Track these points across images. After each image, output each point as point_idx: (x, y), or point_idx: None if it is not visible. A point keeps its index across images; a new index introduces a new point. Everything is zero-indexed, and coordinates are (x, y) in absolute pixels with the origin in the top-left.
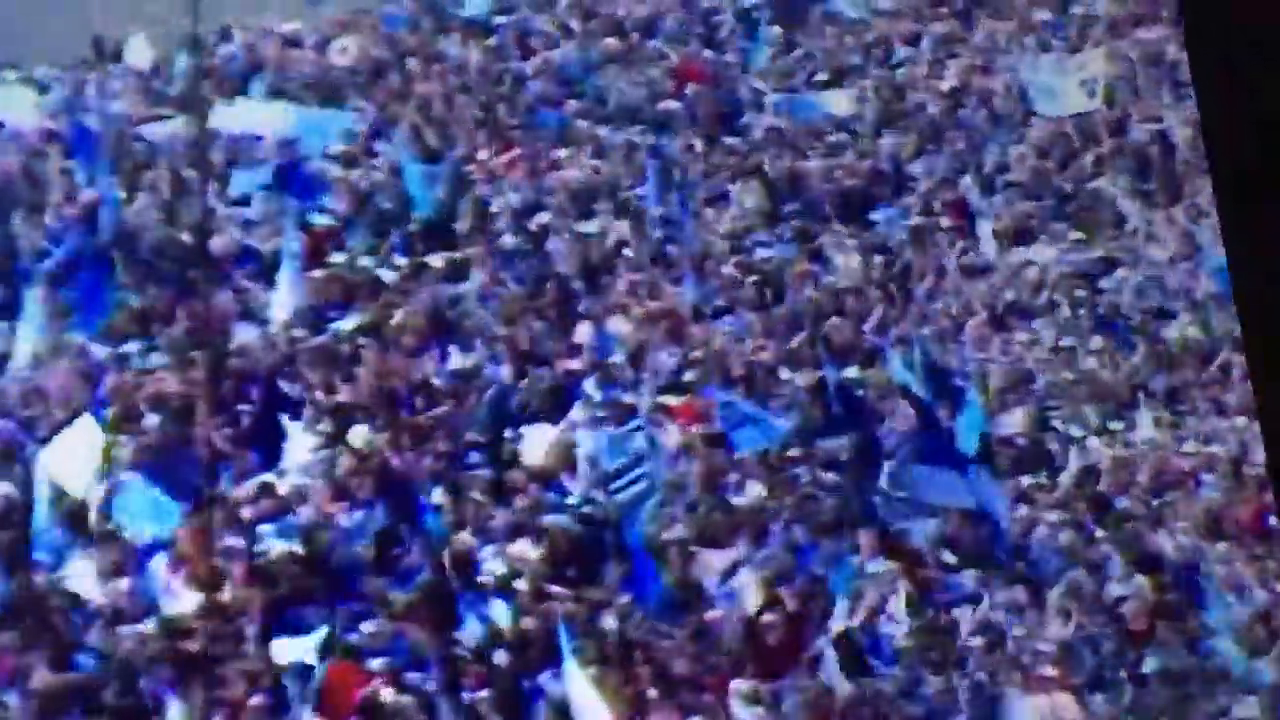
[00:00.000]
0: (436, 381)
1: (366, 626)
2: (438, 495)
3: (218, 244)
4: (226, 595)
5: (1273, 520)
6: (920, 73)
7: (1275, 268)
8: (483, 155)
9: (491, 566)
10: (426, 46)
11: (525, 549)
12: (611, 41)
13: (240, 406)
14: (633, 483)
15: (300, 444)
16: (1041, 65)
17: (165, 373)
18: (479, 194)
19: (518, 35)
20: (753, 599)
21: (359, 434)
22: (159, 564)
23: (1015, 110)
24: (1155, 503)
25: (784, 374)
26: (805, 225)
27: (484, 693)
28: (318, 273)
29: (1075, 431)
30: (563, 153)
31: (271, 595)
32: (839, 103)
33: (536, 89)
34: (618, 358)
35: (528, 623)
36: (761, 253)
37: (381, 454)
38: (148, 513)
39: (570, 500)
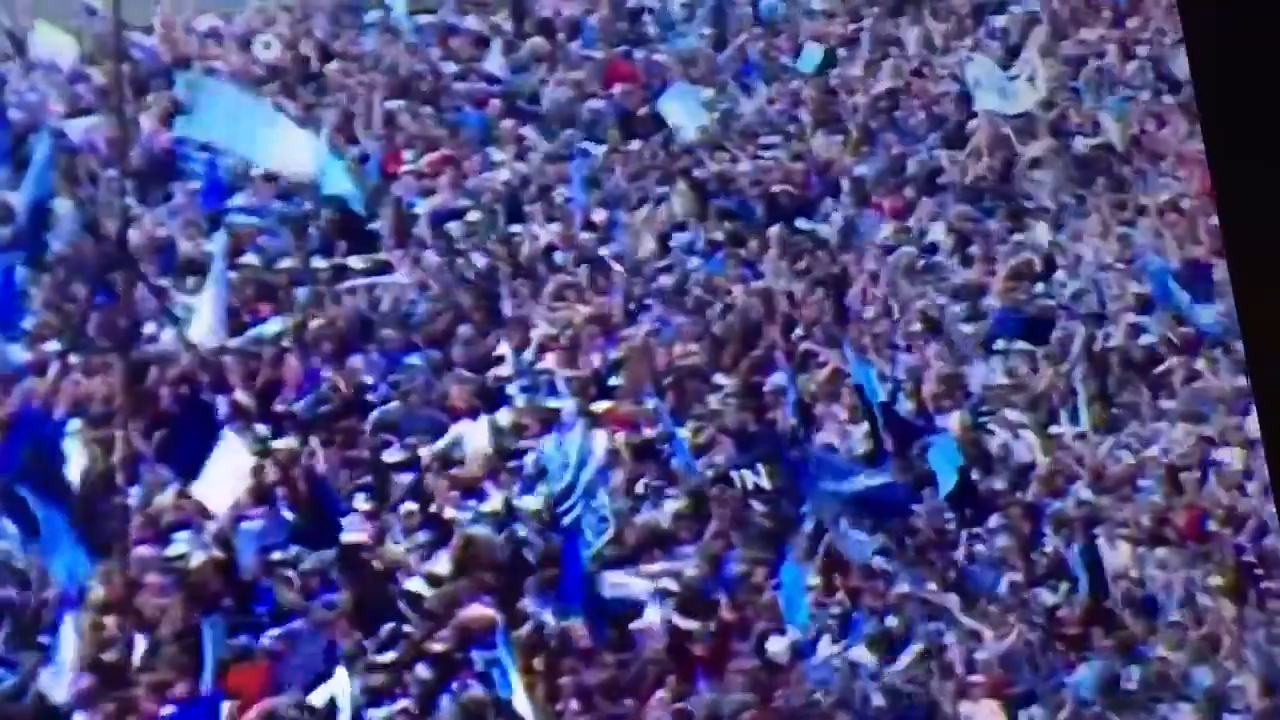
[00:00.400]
0: (361, 385)
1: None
2: (360, 502)
3: (137, 244)
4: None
5: (1211, 525)
6: (855, 73)
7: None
8: (407, 155)
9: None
10: (350, 44)
11: (444, 557)
12: (539, 41)
13: (162, 412)
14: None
15: (223, 451)
16: (983, 64)
17: (83, 376)
18: (401, 195)
19: (442, 35)
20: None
21: (283, 440)
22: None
23: (955, 111)
24: (1093, 508)
25: (717, 379)
26: (735, 228)
27: (403, 703)
28: (234, 275)
29: (1011, 436)
30: (490, 154)
31: (190, 604)
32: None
33: (462, 89)
34: (545, 363)
35: (446, 633)
36: (691, 257)
37: (305, 460)
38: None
39: (492, 508)
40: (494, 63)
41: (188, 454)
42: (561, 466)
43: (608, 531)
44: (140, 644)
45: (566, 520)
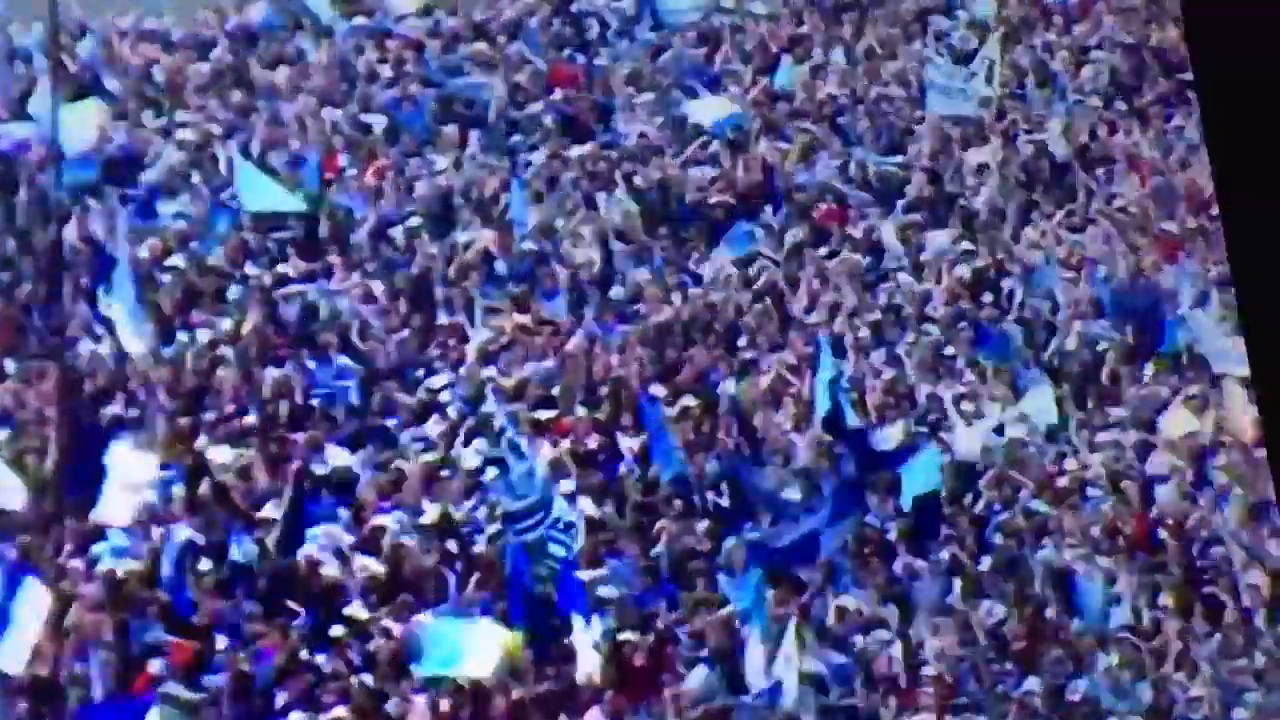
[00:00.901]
0: (296, 393)
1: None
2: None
3: (66, 248)
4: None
5: (1162, 533)
6: (803, 78)
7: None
8: (342, 160)
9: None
10: (284, 47)
11: (371, 565)
12: (481, 47)
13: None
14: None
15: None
16: (936, 66)
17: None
18: (339, 201)
19: (379, 38)
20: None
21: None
22: None
23: (903, 116)
24: (1039, 517)
25: (656, 390)
26: (677, 235)
27: (341, 710)
28: (166, 278)
29: (957, 444)
30: (428, 159)
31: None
32: (714, 109)
33: (399, 93)
34: (485, 372)
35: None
36: (631, 263)
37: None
38: None
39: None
40: (432, 65)
41: (85, 473)
42: (524, 480)
43: (578, 536)
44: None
45: (529, 536)
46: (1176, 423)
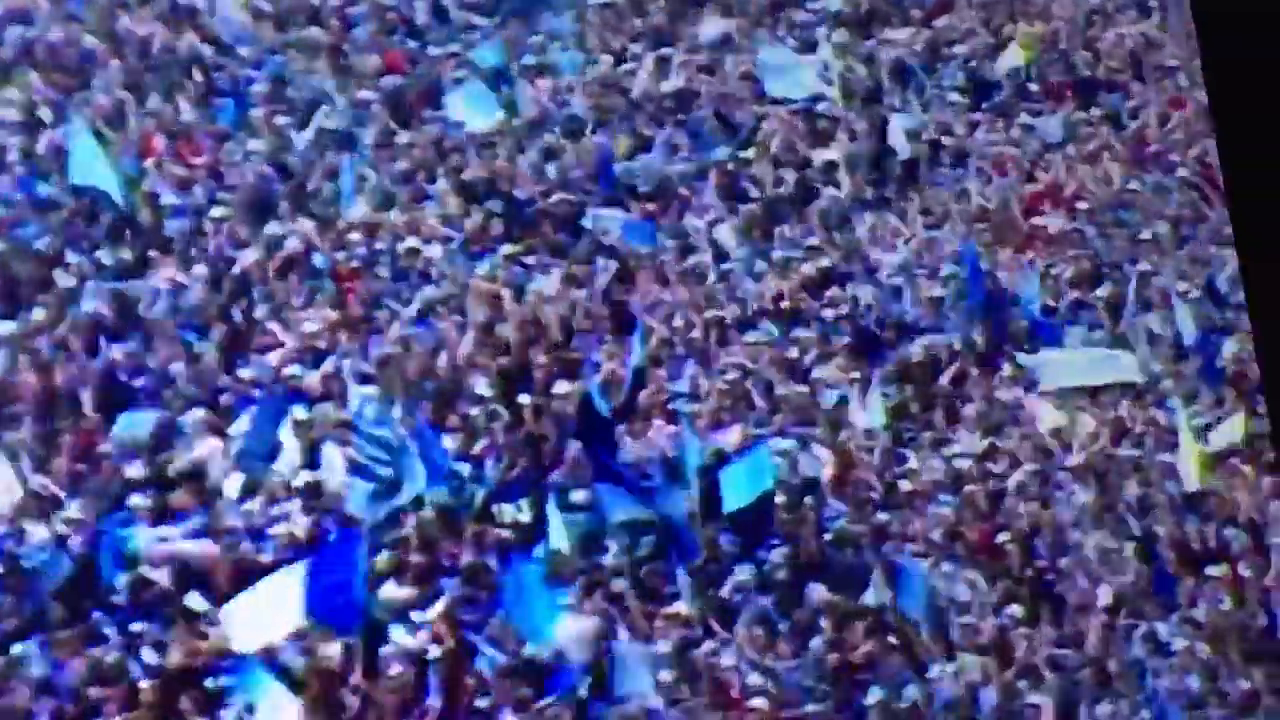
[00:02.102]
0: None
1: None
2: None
3: None
4: None
5: (1003, 537)
6: (645, 69)
7: None
8: (160, 145)
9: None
10: (105, 24)
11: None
12: (315, 30)
13: None
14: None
15: None
16: (775, 51)
17: None
18: (156, 188)
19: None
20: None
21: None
22: None
23: (746, 111)
24: (879, 522)
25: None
26: (508, 230)
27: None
28: None
29: (798, 449)
30: (246, 145)
31: None
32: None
33: (218, 76)
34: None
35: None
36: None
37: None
38: None
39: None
40: (256, 48)
41: None
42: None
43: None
44: None
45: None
46: (1033, 424)
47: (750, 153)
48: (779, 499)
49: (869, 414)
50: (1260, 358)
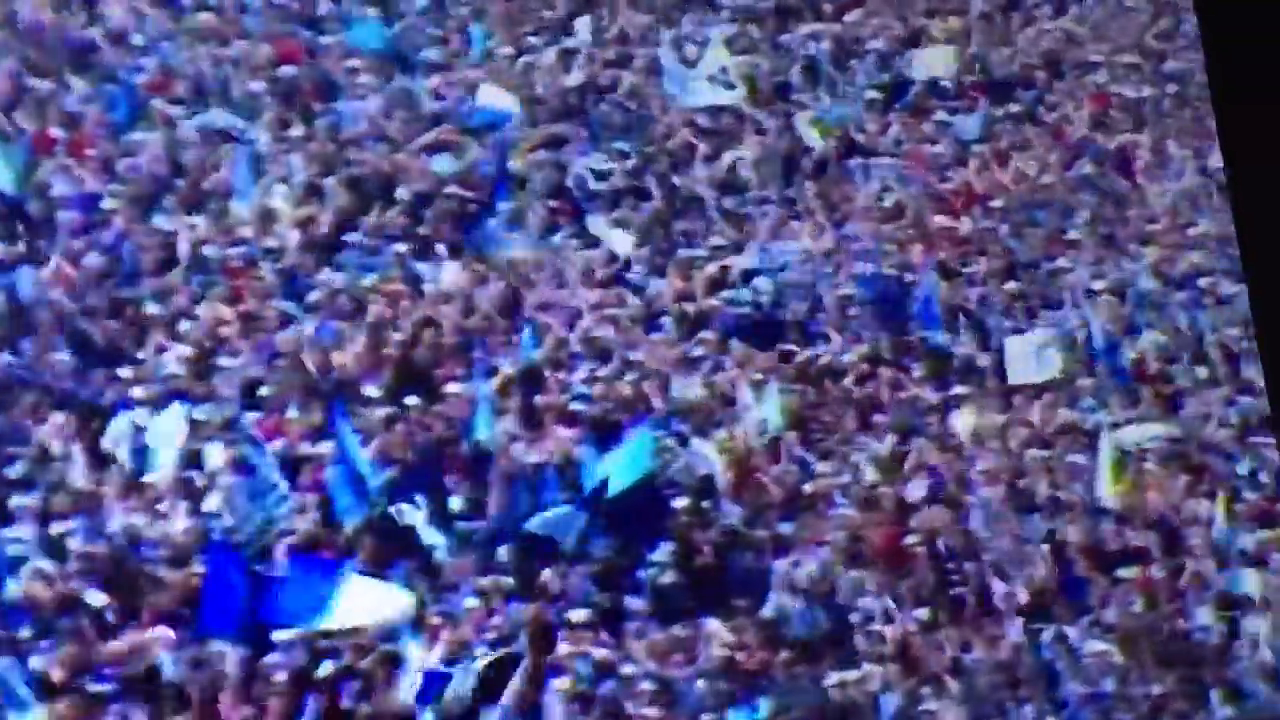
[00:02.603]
0: None
1: None
2: None
3: None
4: None
5: (911, 540)
6: (548, 63)
7: None
8: (54, 133)
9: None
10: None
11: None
12: (206, 17)
13: None
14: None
15: None
16: (682, 48)
17: None
18: (48, 179)
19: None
20: None
21: None
22: None
23: (653, 108)
24: (780, 528)
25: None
26: (404, 229)
27: None
28: None
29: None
30: (136, 135)
31: None
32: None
33: (108, 63)
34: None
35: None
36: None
37: None
38: None
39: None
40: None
41: None
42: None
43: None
44: None
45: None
46: (942, 425)
47: (653, 150)
48: (679, 504)
49: (770, 415)
50: (1261, 354)
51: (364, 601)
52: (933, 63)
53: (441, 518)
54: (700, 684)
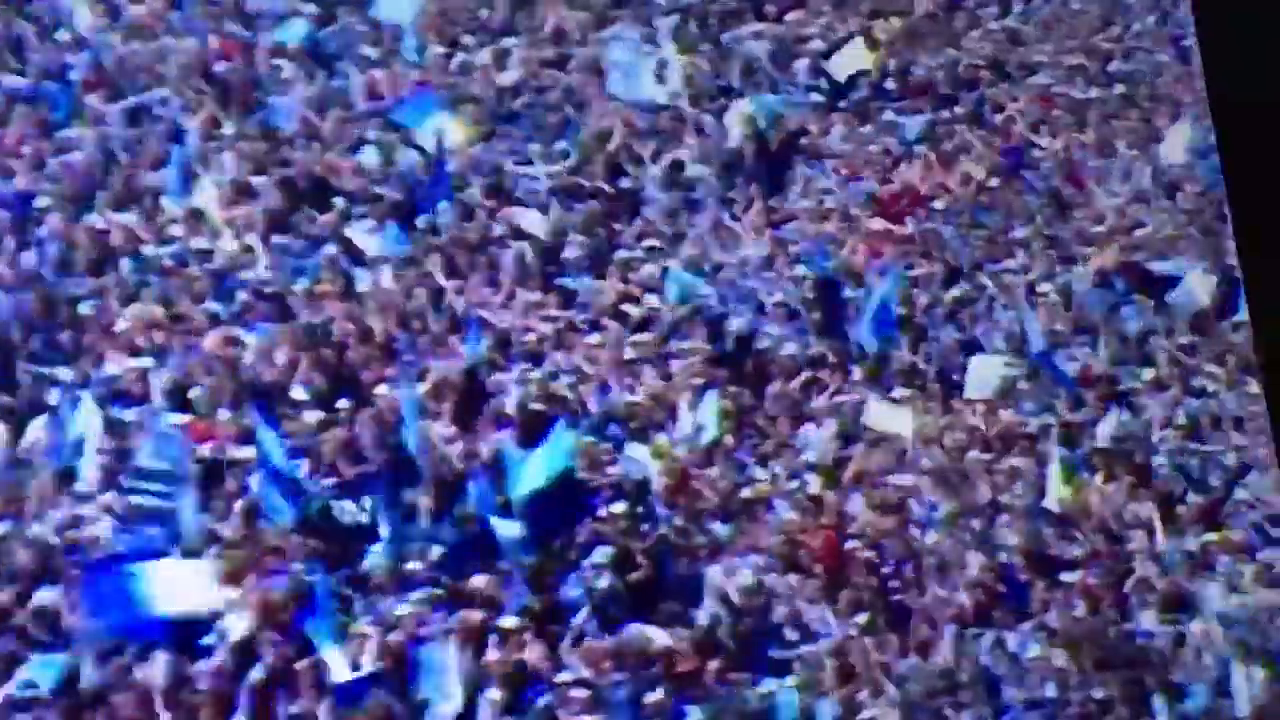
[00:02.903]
0: None
1: None
2: None
3: None
4: None
5: (851, 545)
6: (482, 61)
7: None
8: None
9: None
10: None
11: None
12: (139, 10)
13: None
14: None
15: None
16: (620, 46)
17: None
18: None
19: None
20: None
21: None
22: None
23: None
24: (715, 533)
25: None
26: (337, 228)
27: None
28: None
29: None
30: (71, 134)
31: None
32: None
33: (41, 61)
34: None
35: None
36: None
37: None
38: None
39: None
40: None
41: None
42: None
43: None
44: None
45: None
46: (881, 429)
47: (591, 149)
48: (616, 509)
49: (707, 420)
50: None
51: (179, 585)
52: (852, 62)
53: (375, 520)
54: (630, 690)
